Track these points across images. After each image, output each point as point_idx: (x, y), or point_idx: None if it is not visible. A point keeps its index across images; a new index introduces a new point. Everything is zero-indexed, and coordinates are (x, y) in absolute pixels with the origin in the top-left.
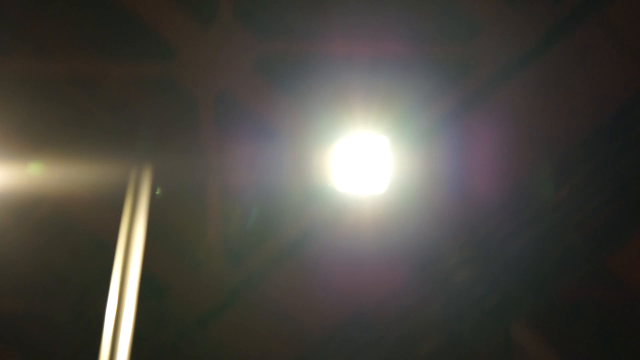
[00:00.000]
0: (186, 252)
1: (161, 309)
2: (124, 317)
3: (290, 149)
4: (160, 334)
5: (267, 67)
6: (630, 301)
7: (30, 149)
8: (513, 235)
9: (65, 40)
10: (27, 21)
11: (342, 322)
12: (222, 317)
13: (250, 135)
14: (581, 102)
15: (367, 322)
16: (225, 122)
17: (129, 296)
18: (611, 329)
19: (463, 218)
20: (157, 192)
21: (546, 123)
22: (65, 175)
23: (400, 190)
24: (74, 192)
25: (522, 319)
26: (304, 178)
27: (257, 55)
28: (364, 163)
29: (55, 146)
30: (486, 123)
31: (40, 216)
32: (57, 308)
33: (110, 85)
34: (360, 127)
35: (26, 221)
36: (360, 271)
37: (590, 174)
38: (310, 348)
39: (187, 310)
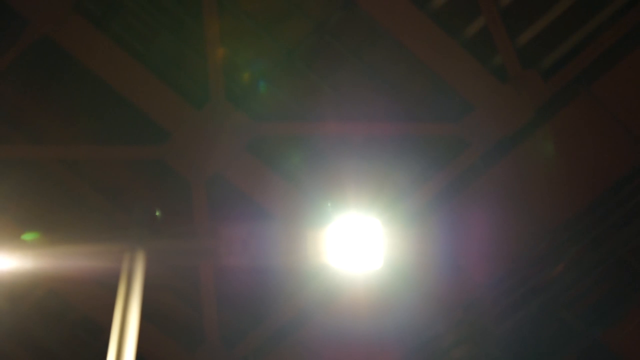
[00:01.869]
0: (181, 335)
1: None
2: None
3: (284, 229)
4: None
5: (259, 149)
6: None
7: (24, 233)
8: (507, 313)
9: (60, 126)
10: (22, 109)
11: None
12: None
13: (243, 217)
14: (572, 180)
15: None
16: (219, 204)
17: None
18: None
19: (457, 297)
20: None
21: (537, 201)
22: (59, 260)
23: (394, 271)
24: (68, 276)
25: None
26: (298, 259)
27: (249, 137)
28: (357, 245)
29: (49, 230)
30: (477, 202)
31: (35, 300)
32: None
33: (104, 170)
34: (353, 209)
35: (21, 305)
36: (356, 351)
37: (583, 252)
38: None
39: None
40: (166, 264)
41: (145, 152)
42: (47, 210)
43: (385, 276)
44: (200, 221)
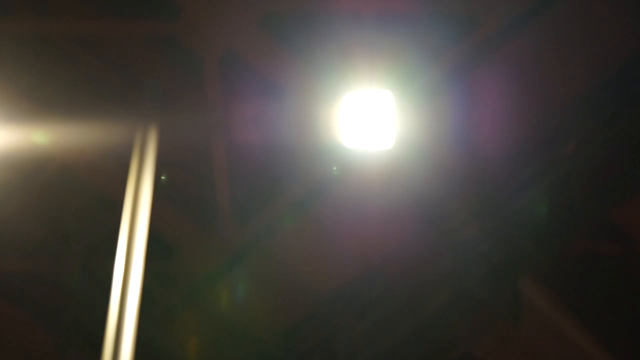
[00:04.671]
0: (193, 211)
1: (169, 268)
2: (132, 276)
3: (296, 106)
4: (169, 293)
5: (272, 24)
6: (637, 254)
7: (36, 110)
8: (520, 190)
9: (68, 0)
10: None
11: (351, 278)
12: (230, 275)
13: (255, 92)
14: (587, 57)
15: (376, 277)
16: (231, 80)
17: (137, 256)
18: (618, 282)
19: (470, 173)
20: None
21: (552, 78)
22: (71, 136)
23: (407, 146)
24: (80, 153)
25: (530, 273)
26: (310, 135)
27: (262, 12)
28: (370, 119)
29: (60, 107)
30: (492, 78)
31: (47, 177)
32: (65, 268)
33: (115, 45)
34: (366, 83)
35: (33, 182)
36: (368, 227)
37: (596, 129)
38: (320, 304)
39: (195, 268)
40: (178, 141)
41: (156, 27)
42: (58, 87)
43: (398, 153)
44: (213, 98)
